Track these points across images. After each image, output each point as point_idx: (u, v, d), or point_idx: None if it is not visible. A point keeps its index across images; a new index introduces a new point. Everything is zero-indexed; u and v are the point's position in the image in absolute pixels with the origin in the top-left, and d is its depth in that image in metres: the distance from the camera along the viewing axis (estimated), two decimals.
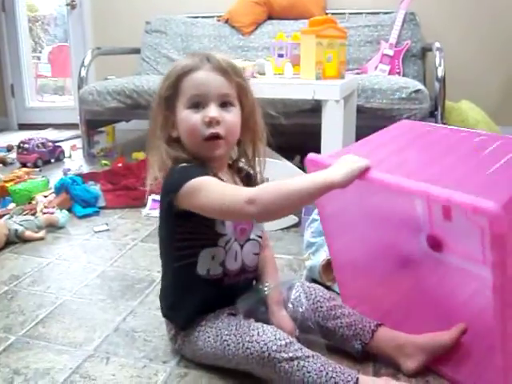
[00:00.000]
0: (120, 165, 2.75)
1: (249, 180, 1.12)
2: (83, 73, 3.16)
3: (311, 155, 1.07)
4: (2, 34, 4.33)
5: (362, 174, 0.90)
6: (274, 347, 0.91)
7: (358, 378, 0.89)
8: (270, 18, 3.52)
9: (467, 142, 1.09)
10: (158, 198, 2.12)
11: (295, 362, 0.90)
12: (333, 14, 3.41)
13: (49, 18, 6.13)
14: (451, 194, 0.82)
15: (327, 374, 0.89)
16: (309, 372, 0.90)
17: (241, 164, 1.13)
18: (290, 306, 1.13)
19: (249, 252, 1.08)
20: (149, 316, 1.27)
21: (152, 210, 2.10)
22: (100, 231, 1.89)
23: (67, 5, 4.10)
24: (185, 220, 0.99)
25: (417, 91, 2.52)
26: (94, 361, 1.10)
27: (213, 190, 0.93)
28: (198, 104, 0.99)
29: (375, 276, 1.31)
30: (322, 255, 1.42)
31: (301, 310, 1.12)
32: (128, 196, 2.20)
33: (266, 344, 0.92)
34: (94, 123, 3.25)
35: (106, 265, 1.60)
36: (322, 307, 1.10)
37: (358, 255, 1.28)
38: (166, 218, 1.04)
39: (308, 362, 0.90)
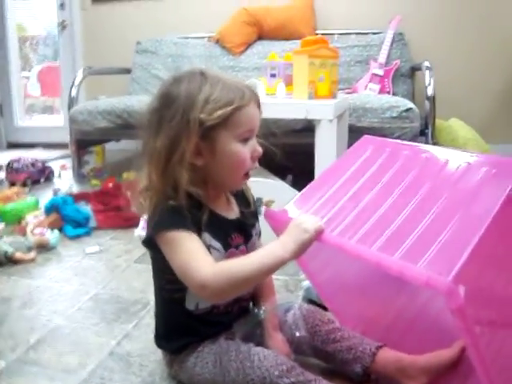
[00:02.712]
0: (111, 185, 2.74)
1: (248, 205, 1.10)
2: (74, 92, 3.16)
3: (269, 211, 1.06)
4: None
5: (317, 236, 0.89)
6: (276, 372, 0.89)
7: None
8: (261, 38, 3.54)
9: (430, 170, 0.99)
10: None
11: None
12: (322, 34, 3.46)
13: (38, 37, 6.12)
14: (403, 267, 0.79)
15: None
16: None
17: None
18: (287, 329, 1.11)
19: None
20: (144, 340, 1.25)
21: (144, 231, 2.07)
22: (92, 253, 1.86)
23: (59, 25, 4.10)
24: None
25: (407, 110, 2.53)
26: None
27: (179, 254, 0.90)
28: (246, 138, 0.97)
29: (368, 297, 1.28)
30: None
31: (298, 333, 1.10)
32: (119, 217, 2.18)
33: (267, 370, 0.90)
34: (83, 143, 3.22)
35: (99, 287, 1.57)
36: (320, 331, 1.08)
37: (346, 281, 1.25)
38: (151, 250, 1.02)
39: None
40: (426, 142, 2.69)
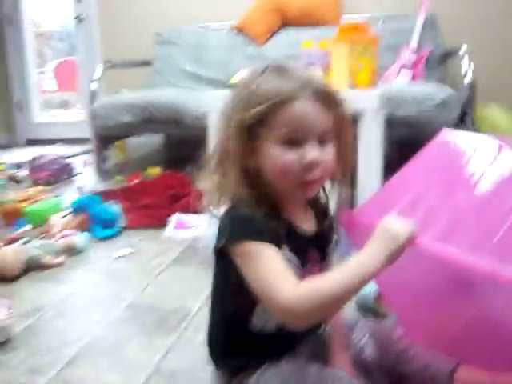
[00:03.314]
0: (136, 181, 2.65)
1: (325, 218, 0.95)
2: (94, 87, 3.06)
3: (345, 214, 0.92)
4: (8, 49, 4.26)
5: (409, 243, 0.76)
6: None
7: None
8: (285, 25, 3.41)
9: None
10: (182, 218, 2.05)
11: None
12: (349, 19, 3.33)
13: (53, 32, 6.06)
14: None
15: None
16: None
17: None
18: (353, 348, 1.00)
19: None
20: (190, 355, 1.14)
21: (176, 231, 1.98)
22: (123, 255, 1.76)
23: (75, 18, 4.01)
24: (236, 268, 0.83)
25: (447, 97, 2.40)
26: None
27: (258, 270, 0.77)
28: (294, 141, 0.81)
29: (437, 307, 1.18)
30: (373, 284, 1.30)
31: (366, 353, 0.99)
32: (150, 216, 2.08)
33: None
34: (105, 138, 3.13)
35: (135, 293, 1.47)
36: (392, 350, 0.97)
37: (416, 290, 1.12)
38: (219, 263, 0.89)
39: None
40: (467, 131, 2.55)
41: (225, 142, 0.85)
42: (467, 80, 2.57)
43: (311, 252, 0.88)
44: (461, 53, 2.71)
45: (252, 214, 0.81)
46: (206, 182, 0.88)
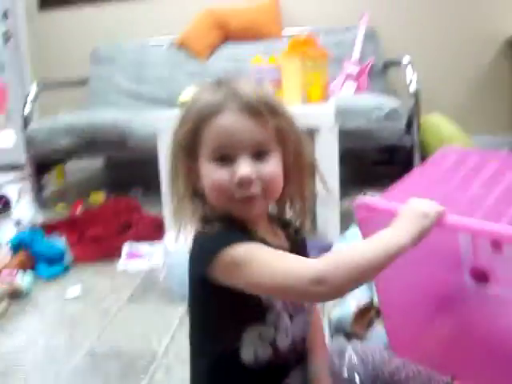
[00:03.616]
0: (80, 209, 2.50)
1: (297, 237, 0.89)
2: (28, 110, 2.88)
3: (365, 199, 0.90)
4: None
5: (438, 221, 0.76)
6: None
7: None
8: (227, 40, 3.34)
9: None
10: (134, 248, 1.93)
11: None
12: (290, 35, 3.31)
13: None
14: None
15: None
16: None
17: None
18: (345, 375, 0.93)
19: (299, 322, 0.86)
20: None
21: (129, 262, 1.86)
22: (75, 296, 1.63)
23: (2, 36, 3.78)
24: (223, 293, 0.75)
25: (394, 109, 2.40)
26: None
27: (264, 263, 0.71)
28: (224, 157, 0.76)
29: (422, 321, 1.19)
30: (351, 304, 1.27)
31: (358, 378, 0.93)
32: (99, 248, 1.95)
33: None
34: (42, 163, 2.95)
35: (93, 338, 1.35)
36: (383, 372, 0.93)
37: (405, 300, 1.14)
38: (198, 293, 0.81)
39: None
40: (412, 139, 2.57)
41: (172, 166, 0.81)
42: (412, 89, 2.59)
43: None
44: (404, 63, 2.73)
45: (222, 227, 0.76)
46: (170, 206, 0.82)
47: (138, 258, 1.89)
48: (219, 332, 0.81)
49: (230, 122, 0.75)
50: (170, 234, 1.70)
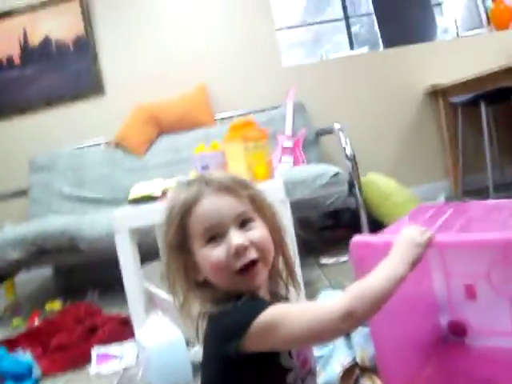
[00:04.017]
0: (37, 320, 2.44)
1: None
2: None
3: (359, 237, 1.05)
4: None
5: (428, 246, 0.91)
6: None
7: None
8: (161, 133, 3.46)
9: None
10: (103, 350, 1.90)
11: None
12: (222, 118, 3.47)
13: None
14: None
15: None
16: None
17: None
18: None
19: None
20: None
21: (101, 366, 1.82)
22: None
23: None
24: (247, 366, 0.80)
25: (335, 175, 2.55)
26: None
27: (294, 319, 0.77)
28: (215, 236, 0.83)
29: (412, 369, 1.25)
30: (336, 367, 1.30)
31: None
32: (67, 357, 1.89)
33: None
34: None
35: None
36: None
37: (397, 349, 1.21)
38: (220, 369, 0.83)
39: None
40: (356, 201, 2.70)
41: (169, 269, 0.88)
42: (348, 153, 2.74)
43: None
44: (335, 130, 2.90)
45: (239, 301, 0.81)
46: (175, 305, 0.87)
47: (110, 359, 1.85)
48: None
49: (211, 204, 0.83)
50: (141, 330, 1.69)
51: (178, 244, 0.85)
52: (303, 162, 3.14)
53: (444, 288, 1.35)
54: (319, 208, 2.59)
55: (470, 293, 1.31)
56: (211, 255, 0.82)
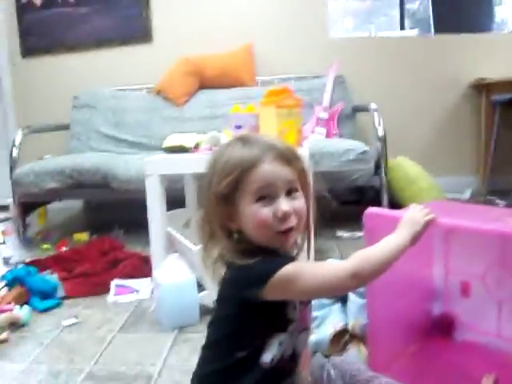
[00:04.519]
0: (65, 248, 2.61)
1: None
2: (15, 153, 3.00)
3: (372, 209, 1.18)
4: None
5: (428, 225, 1.03)
6: None
7: None
8: (202, 87, 3.55)
9: None
10: (122, 283, 2.05)
11: None
12: (263, 81, 3.53)
13: None
14: None
15: None
16: None
17: None
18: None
19: (303, 338, 1.02)
20: None
21: (118, 297, 1.97)
22: (70, 325, 1.74)
23: None
24: (259, 310, 0.92)
25: (363, 152, 2.62)
26: None
27: (310, 274, 0.90)
28: (265, 197, 0.93)
29: (399, 345, 1.36)
30: (329, 328, 1.40)
31: None
32: (89, 283, 2.05)
33: None
34: (27, 205, 3.06)
35: (91, 363, 1.46)
36: (359, 381, 1.07)
37: (389, 325, 1.30)
38: (235, 312, 0.95)
39: None
40: (381, 181, 2.77)
41: (208, 214, 0.96)
42: (379, 134, 2.80)
43: None
44: (371, 109, 2.94)
45: (264, 257, 0.91)
46: (202, 250, 0.97)
47: (127, 291, 2.01)
48: (249, 340, 0.95)
49: (269, 169, 0.92)
50: (159, 268, 1.83)
51: (227, 194, 0.93)
52: (336, 134, 3.20)
53: (442, 280, 1.45)
54: (343, 182, 2.67)
55: (465, 290, 1.41)
56: (260, 213, 0.92)
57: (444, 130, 3.64)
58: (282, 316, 0.94)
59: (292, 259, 0.93)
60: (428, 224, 1.02)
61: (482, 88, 3.48)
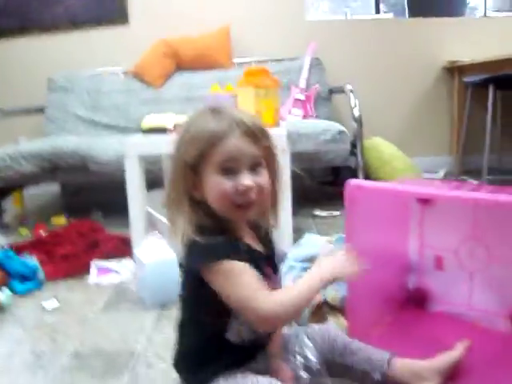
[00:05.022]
0: (42, 232, 2.59)
1: (266, 238, 1.09)
2: None
3: (354, 180, 1.21)
4: None
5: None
6: None
7: None
8: (179, 69, 3.54)
9: None
10: (102, 264, 2.05)
11: None
12: (240, 63, 3.53)
13: None
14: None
15: None
16: None
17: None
18: (299, 353, 1.12)
19: None
20: None
21: (99, 277, 1.98)
22: (51, 308, 1.74)
23: None
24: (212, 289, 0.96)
25: (340, 133, 2.65)
26: None
27: (238, 286, 0.92)
28: (228, 170, 0.95)
29: (375, 315, 1.41)
30: None
31: (312, 352, 1.11)
32: (69, 266, 2.06)
33: None
34: (2, 189, 3.03)
35: (75, 342, 1.47)
36: (337, 345, 1.12)
37: (367, 295, 1.35)
38: (193, 287, 0.99)
39: None
40: (357, 162, 2.82)
41: (174, 181, 0.99)
42: (355, 115, 2.84)
43: (266, 268, 1.02)
44: (347, 91, 2.98)
45: (221, 238, 0.94)
46: (166, 216, 1.00)
47: (108, 273, 2.01)
48: (210, 316, 0.98)
49: (236, 143, 0.95)
50: (139, 248, 1.84)
51: (193, 163, 0.96)
52: (313, 116, 3.23)
53: (417, 254, 1.50)
54: (320, 162, 2.71)
55: (439, 263, 1.46)
56: (222, 184, 0.95)
57: (419, 111, 3.71)
58: None
59: (238, 250, 0.95)
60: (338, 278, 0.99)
61: (454, 70, 3.55)
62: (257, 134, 0.97)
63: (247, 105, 2.01)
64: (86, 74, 3.57)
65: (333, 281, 0.98)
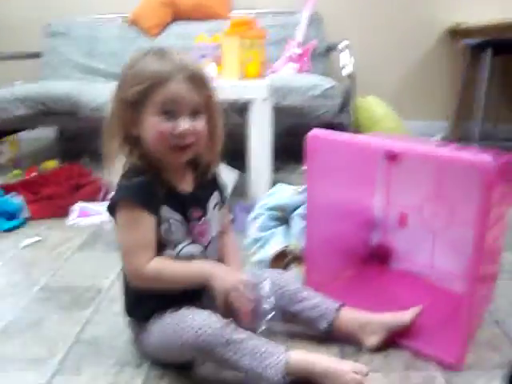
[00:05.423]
0: (34, 174, 2.65)
1: (208, 181, 1.14)
2: None
3: (315, 131, 1.21)
4: None
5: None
6: (209, 331, 0.95)
7: (287, 358, 0.96)
8: (176, 18, 3.51)
9: None
10: (86, 206, 2.11)
11: (231, 346, 0.95)
12: (238, 14, 3.49)
13: None
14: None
15: (260, 355, 0.95)
16: (244, 355, 0.95)
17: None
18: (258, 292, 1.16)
19: (213, 250, 1.12)
20: (108, 323, 1.26)
21: (80, 219, 2.04)
22: (31, 243, 1.81)
23: None
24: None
25: (330, 88, 2.64)
26: (65, 374, 1.07)
27: (130, 237, 1.01)
28: (168, 112, 0.98)
29: (334, 267, 1.44)
30: (271, 248, 1.48)
31: (269, 300, 1.16)
32: (53, 205, 2.12)
33: (200, 328, 0.96)
34: None
35: (47, 277, 1.54)
36: (288, 291, 1.16)
37: (326, 247, 1.38)
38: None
39: (242, 344, 0.95)
40: (346, 119, 2.82)
41: (113, 115, 1.02)
42: (347, 72, 2.82)
43: (193, 210, 1.07)
44: (341, 47, 2.95)
45: (138, 180, 0.99)
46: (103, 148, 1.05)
47: (89, 215, 2.07)
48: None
49: (178, 88, 0.98)
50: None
51: (133, 101, 0.98)
52: (308, 71, 3.21)
53: (382, 210, 1.52)
54: (308, 117, 2.69)
55: (403, 221, 1.48)
56: (160, 125, 0.99)
57: (418, 73, 3.65)
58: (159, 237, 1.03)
59: (147, 199, 0.99)
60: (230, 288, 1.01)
61: (457, 33, 3.46)
62: (199, 81, 1.00)
63: (231, 55, 2.02)
64: (84, 20, 3.54)
65: (209, 287, 1.01)
